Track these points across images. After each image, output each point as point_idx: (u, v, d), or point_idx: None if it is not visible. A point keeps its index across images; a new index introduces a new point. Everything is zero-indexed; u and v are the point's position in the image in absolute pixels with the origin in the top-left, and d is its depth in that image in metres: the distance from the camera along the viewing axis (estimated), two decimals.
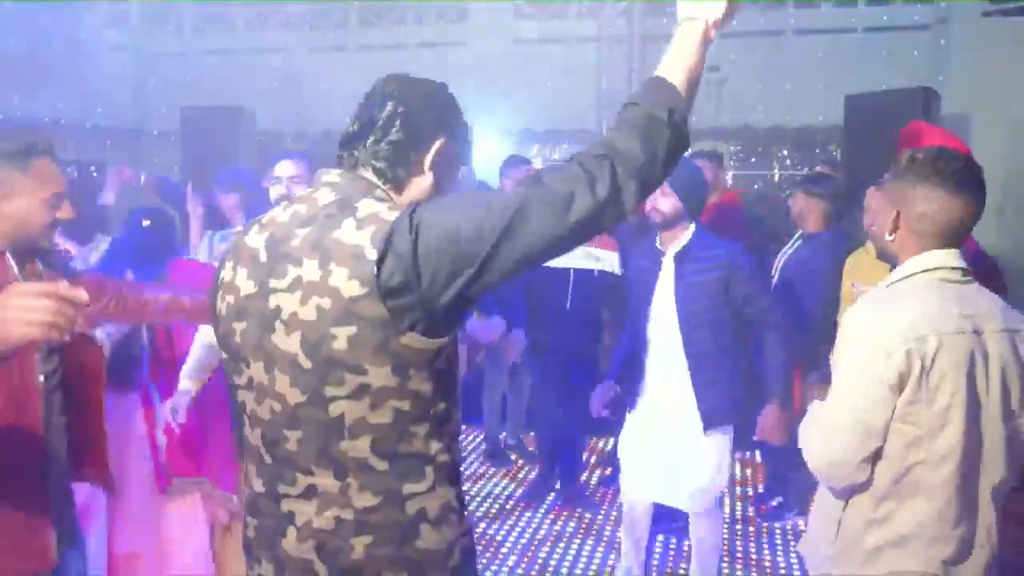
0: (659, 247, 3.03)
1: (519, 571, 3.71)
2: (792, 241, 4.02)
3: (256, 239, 1.35)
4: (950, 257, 1.70)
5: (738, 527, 4.14)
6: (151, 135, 8.80)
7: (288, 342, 1.26)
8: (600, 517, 4.25)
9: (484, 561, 3.79)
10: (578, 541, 3.99)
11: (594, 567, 3.75)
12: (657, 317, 3.01)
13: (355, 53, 9.11)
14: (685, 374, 2.94)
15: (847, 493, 1.72)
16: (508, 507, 4.42)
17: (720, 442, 2.97)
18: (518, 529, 4.14)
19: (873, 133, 5.06)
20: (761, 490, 4.52)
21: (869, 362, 1.61)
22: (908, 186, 1.69)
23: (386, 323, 1.20)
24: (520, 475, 4.87)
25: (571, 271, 4.11)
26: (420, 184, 1.39)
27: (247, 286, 1.32)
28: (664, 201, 2.91)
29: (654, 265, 3.03)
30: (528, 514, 4.32)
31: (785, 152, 8.59)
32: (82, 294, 1.20)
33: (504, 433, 5.18)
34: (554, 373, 4.25)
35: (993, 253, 3.54)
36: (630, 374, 3.16)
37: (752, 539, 4.01)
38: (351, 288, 1.20)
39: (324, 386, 1.23)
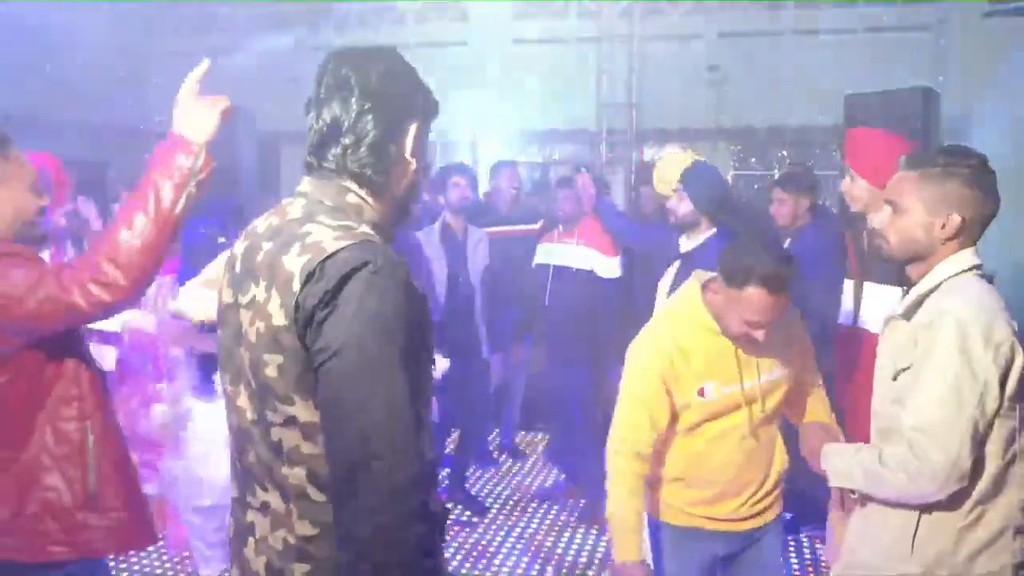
0: (679, 248, 3.05)
1: (519, 571, 3.71)
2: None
3: (239, 247, 1.34)
4: (976, 255, 1.73)
5: None
6: (151, 135, 8.81)
7: (245, 360, 1.25)
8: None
9: (484, 561, 3.80)
10: (578, 540, 4.00)
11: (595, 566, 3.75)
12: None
13: None
14: None
15: (922, 505, 1.66)
16: (499, 507, 4.42)
17: None
18: (518, 529, 4.14)
19: None
20: None
21: (978, 353, 1.58)
22: (965, 188, 1.68)
23: (304, 357, 1.16)
24: (511, 476, 4.88)
25: (551, 268, 4.16)
26: (403, 174, 1.34)
27: (227, 295, 1.32)
28: (678, 204, 2.95)
29: (668, 265, 3.03)
30: (527, 515, 4.32)
31: (785, 152, 8.59)
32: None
33: (496, 432, 5.22)
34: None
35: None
36: None
37: None
38: (279, 317, 1.18)
39: (264, 410, 1.22)
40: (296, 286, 1.16)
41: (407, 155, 1.33)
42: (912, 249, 1.75)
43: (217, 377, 1.43)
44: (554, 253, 4.24)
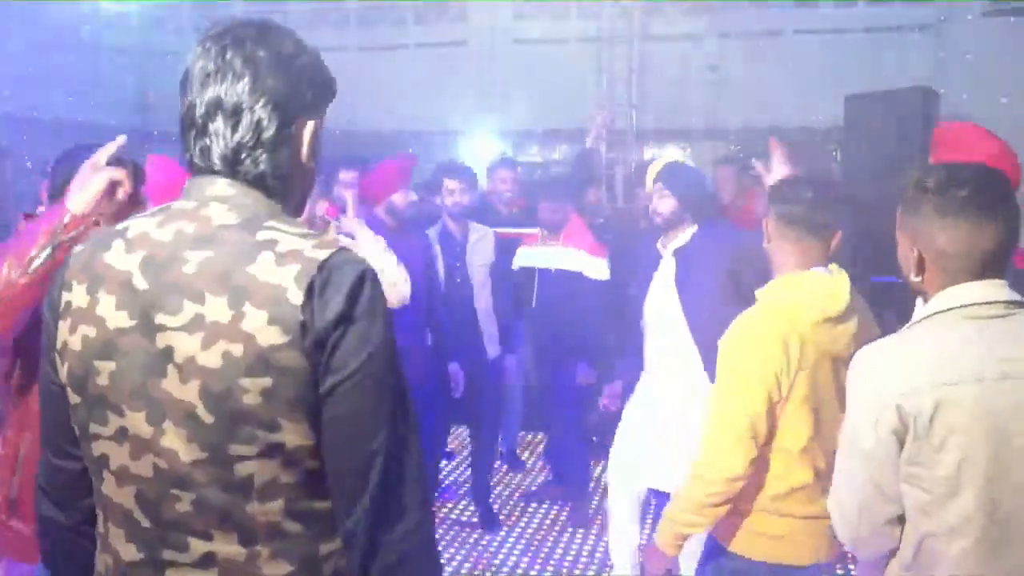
0: (659, 248, 3.09)
1: (519, 571, 3.72)
2: None
3: (124, 259, 1.10)
4: (989, 289, 1.41)
5: None
6: (152, 135, 8.81)
7: (184, 391, 1.05)
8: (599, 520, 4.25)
9: (484, 562, 3.80)
10: (578, 540, 4.00)
11: (593, 568, 3.75)
12: (656, 312, 3.08)
13: (355, 53, 9.11)
14: (693, 361, 2.97)
15: (880, 565, 1.54)
16: (508, 508, 4.42)
17: None
18: (518, 529, 4.15)
19: (873, 133, 5.06)
20: None
21: (866, 417, 1.44)
22: (924, 220, 1.43)
23: (308, 376, 1.04)
24: (512, 475, 4.88)
25: (536, 271, 4.14)
26: (300, 181, 1.19)
27: (118, 318, 1.08)
28: (662, 202, 3.02)
29: (653, 266, 3.12)
30: (525, 518, 4.32)
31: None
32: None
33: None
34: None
35: None
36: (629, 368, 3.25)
37: None
38: (270, 335, 1.02)
39: (230, 444, 1.04)
40: (296, 299, 1.02)
41: (304, 159, 1.17)
42: (909, 284, 1.54)
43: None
44: (538, 257, 4.19)
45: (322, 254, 1.06)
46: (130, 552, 1.12)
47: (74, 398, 1.13)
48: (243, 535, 1.07)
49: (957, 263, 1.42)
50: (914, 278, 1.49)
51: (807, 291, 2.00)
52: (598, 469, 4.63)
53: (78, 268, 1.13)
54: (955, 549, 1.38)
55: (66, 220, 1.69)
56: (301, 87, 1.14)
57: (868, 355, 1.50)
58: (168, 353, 1.06)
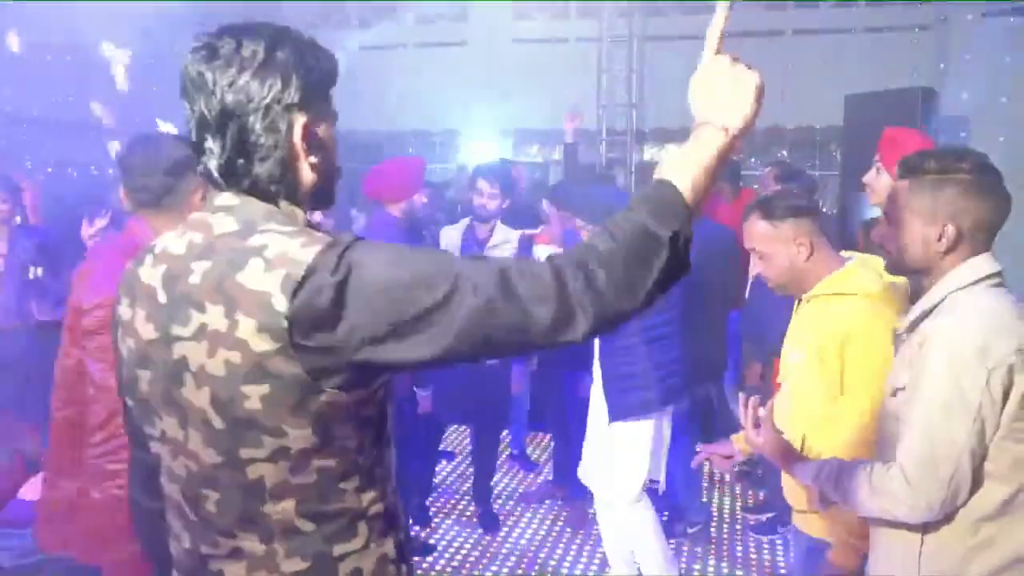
0: None
1: (519, 571, 3.72)
2: None
3: (151, 273, 1.17)
4: (993, 261, 1.62)
5: (736, 528, 4.15)
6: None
7: (199, 397, 1.10)
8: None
9: (485, 562, 3.80)
10: (578, 541, 4.00)
11: (595, 566, 3.75)
12: None
13: (355, 53, 9.11)
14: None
15: (925, 523, 1.59)
16: (508, 508, 4.42)
17: (629, 437, 3.08)
18: (518, 530, 4.15)
19: (873, 133, 5.04)
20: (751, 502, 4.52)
21: (974, 379, 1.49)
22: (962, 197, 1.59)
23: (303, 382, 1.05)
24: (515, 474, 4.88)
25: None
26: (303, 178, 1.17)
27: (147, 330, 1.16)
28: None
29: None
30: (528, 515, 4.32)
31: (785, 152, 8.59)
32: None
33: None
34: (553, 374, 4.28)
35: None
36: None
37: (739, 539, 4.02)
38: (261, 343, 1.04)
39: (240, 447, 1.09)
40: (280, 306, 1.02)
41: (301, 157, 1.15)
42: (913, 263, 1.67)
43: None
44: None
45: (307, 254, 1.04)
46: (185, 540, 1.21)
47: (129, 401, 1.24)
48: (261, 533, 1.14)
49: (983, 236, 1.61)
50: (942, 252, 1.62)
51: (874, 276, 2.04)
52: None
53: (124, 283, 1.23)
54: None
55: None
56: (282, 86, 1.11)
57: (960, 322, 1.55)
58: (184, 362, 1.11)
